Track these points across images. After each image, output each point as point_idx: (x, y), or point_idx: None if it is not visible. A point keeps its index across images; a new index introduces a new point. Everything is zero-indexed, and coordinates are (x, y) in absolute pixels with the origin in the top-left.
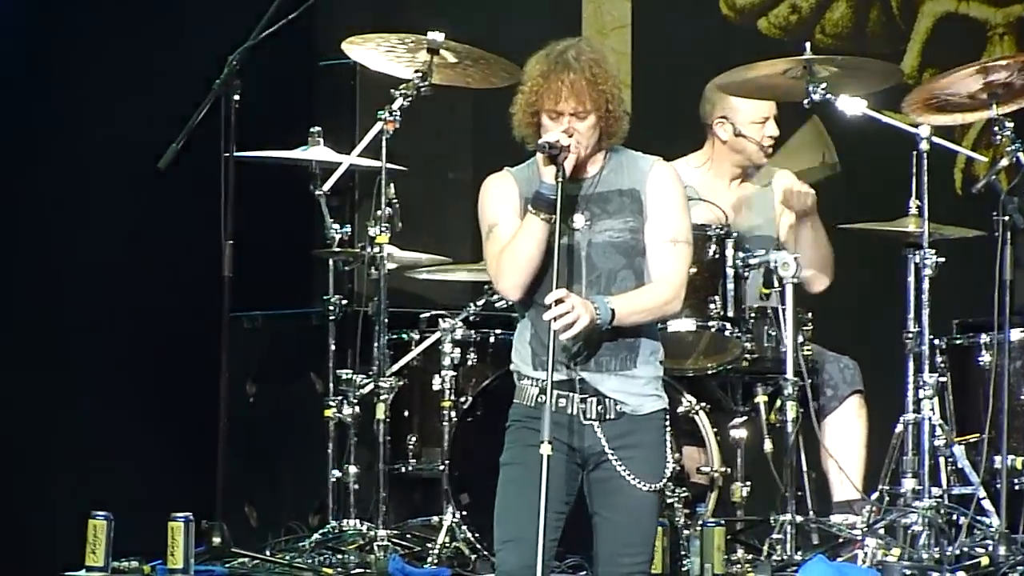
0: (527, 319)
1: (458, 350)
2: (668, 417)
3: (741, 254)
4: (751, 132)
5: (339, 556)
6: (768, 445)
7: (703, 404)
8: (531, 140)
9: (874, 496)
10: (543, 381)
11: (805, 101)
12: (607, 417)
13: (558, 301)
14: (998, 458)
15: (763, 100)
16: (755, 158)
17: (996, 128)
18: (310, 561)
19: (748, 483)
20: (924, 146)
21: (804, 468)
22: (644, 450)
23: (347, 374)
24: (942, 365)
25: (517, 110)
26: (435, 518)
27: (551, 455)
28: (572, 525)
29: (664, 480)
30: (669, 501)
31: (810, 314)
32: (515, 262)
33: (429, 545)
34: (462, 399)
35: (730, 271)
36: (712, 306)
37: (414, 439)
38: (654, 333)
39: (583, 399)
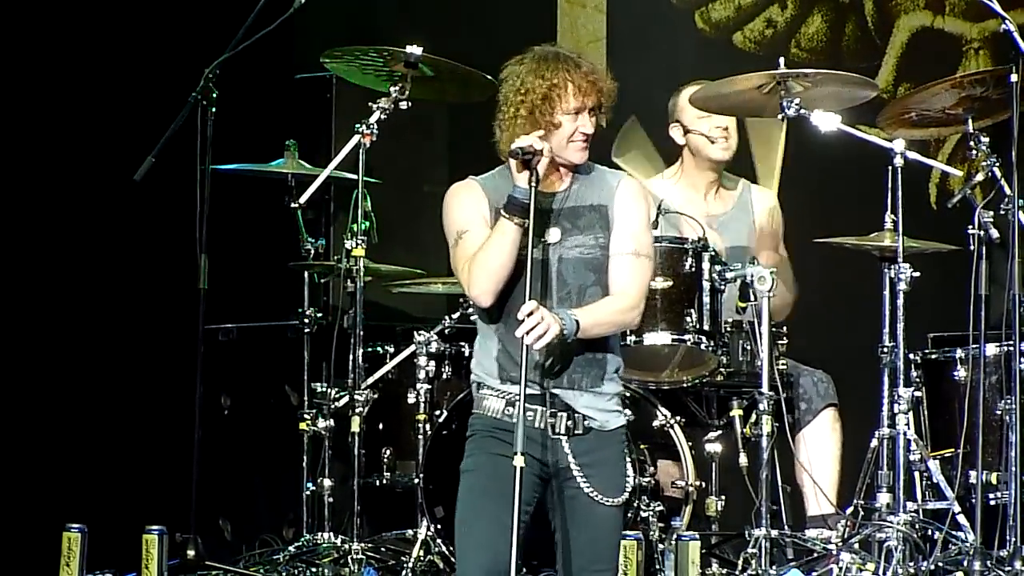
0: (493, 333)
1: (433, 363)
2: (632, 429)
3: (717, 267)
4: (699, 126)
5: (313, 570)
6: (743, 459)
7: (678, 418)
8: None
9: (849, 511)
10: (511, 394)
11: (780, 116)
12: (575, 432)
13: (529, 313)
14: (973, 473)
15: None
16: (714, 154)
17: (972, 143)
18: (284, 574)
19: (723, 497)
20: (899, 161)
21: (779, 482)
22: (607, 466)
23: (322, 387)
24: (917, 380)
25: (518, 122)
26: (410, 531)
27: (517, 467)
28: (548, 540)
29: (625, 494)
30: (644, 515)
31: (785, 328)
32: (487, 267)
33: (404, 558)
34: (437, 412)
35: (706, 284)
36: (688, 319)
37: (389, 452)
38: (617, 349)
39: (552, 413)
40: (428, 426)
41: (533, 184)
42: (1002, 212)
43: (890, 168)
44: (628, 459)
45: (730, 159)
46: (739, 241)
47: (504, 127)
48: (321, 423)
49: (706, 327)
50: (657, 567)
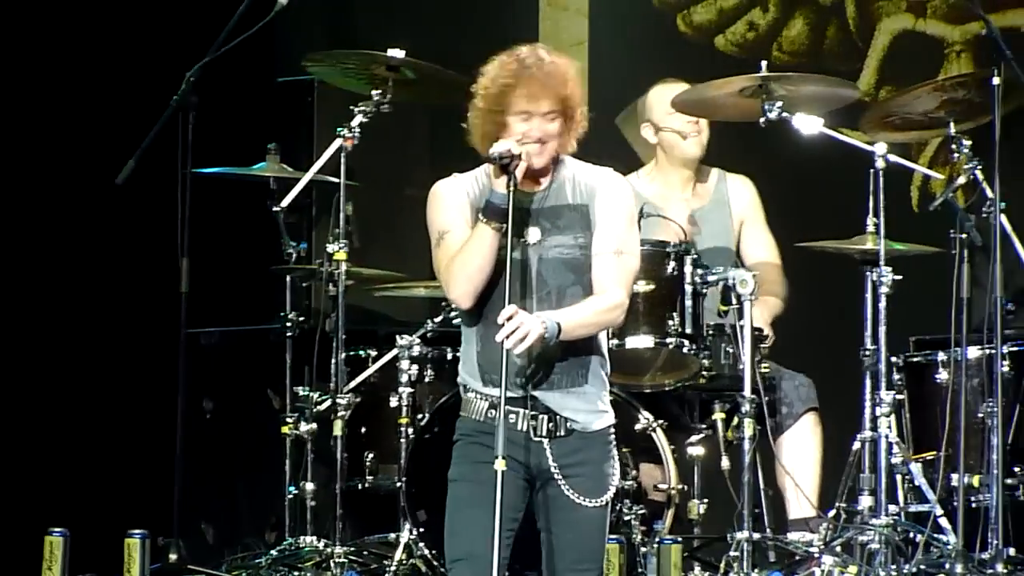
0: (474, 334)
1: (415, 367)
2: (614, 432)
3: (699, 271)
4: (670, 123)
5: (296, 573)
6: (725, 462)
7: (660, 421)
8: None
9: (831, 513)
10: (493, 397)
11: (761, 120)
12: (557, 434)
13: (509, 318)
14: (955, 476)
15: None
16: (686, 151)
17: (954, 146)
18: None
19: (705, 500)
20: (881, 164)
21: (761, 485)
22: (591, 467)
23: (304, 391)
24: (899, 382)
25: (478, 116)
26: (392, 535)
27: (498, 471)
28: (532, 542)
29: (610, 493)
30: (626, 518)
31: (767, 331)
32: (465, 270)
33: (386, 562)
34: (419, 416)
35: (688, 288)
36: (670, 323)
37: (371, 456)
38: (601, 348)
39: (534, 416)
40: (410, 430)
41: (511, 189)
42: (984, 215)
43: (872, 171)
44: (615, 458)
45: (702, 154)
46: (718, 234)
47: (470, 119)
48: (303, 427)
49: (688, 330)
50: (639, 570)
